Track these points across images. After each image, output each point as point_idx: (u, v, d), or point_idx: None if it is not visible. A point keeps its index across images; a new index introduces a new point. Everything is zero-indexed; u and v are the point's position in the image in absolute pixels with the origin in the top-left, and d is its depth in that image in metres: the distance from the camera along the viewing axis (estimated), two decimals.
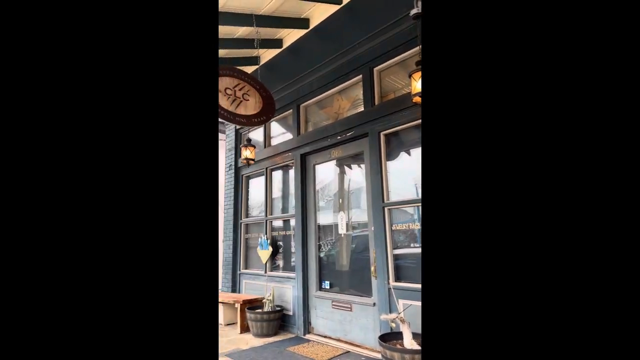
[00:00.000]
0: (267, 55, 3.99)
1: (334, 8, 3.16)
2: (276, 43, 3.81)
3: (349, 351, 3.10)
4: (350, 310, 3.31)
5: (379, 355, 2.88)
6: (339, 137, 3.63)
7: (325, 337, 3.50)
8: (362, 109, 3.46)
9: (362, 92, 3.51)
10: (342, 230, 3.59)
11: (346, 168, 3.79)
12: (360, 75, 3.50)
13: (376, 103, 3.35)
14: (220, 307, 4.25)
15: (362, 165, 3.54)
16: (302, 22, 3.46)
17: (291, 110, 4.32)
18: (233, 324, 4.16)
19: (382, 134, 3.23)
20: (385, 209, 3.09)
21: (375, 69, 3.39)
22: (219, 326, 4.17)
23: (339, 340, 3.36)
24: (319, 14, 3.33)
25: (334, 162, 3.83)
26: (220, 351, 3.20)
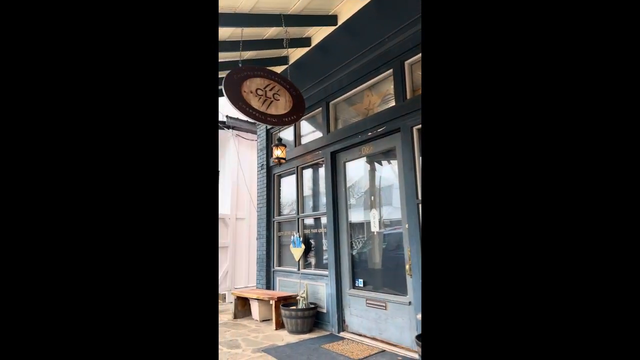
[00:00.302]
0: (296, 54, 4.02)
1: (363, 2, 3.11)
2: (305, 42, 3.82)
3: (384, 350, 3.06)
4: (385, 309, 3.27)
5: (415, 355, 2.82)
6: (369, 134, 3.58)
7: (360, 335, 3.48)
8: (394, 104, 3.39)
9: (392, 86, 3.43)
10: (374, 227, 3.55)
11: (377, 165, 3.73)
12: (391, 70, 3.43)
13: (408, 97, 3.26)
14: (256, 304, 4.36)
15: (393, 162, 3.47)
16: (331, 19, 3.44)
17: (321, 108, 4.32)
18: (268, 320, 4.24)
19: (414, 128, 3.15)
20: (420, 205, 3.01)
21: (407, 62, 3.31)
22: (255, 322, 4.27)
23: (374, 339, 3.33)
24: (347, 9, 3.29)
25: (365, 159, 3.79)
26: (257, 347, 3.28)
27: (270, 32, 3.62)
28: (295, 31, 3.67)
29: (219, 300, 6.04)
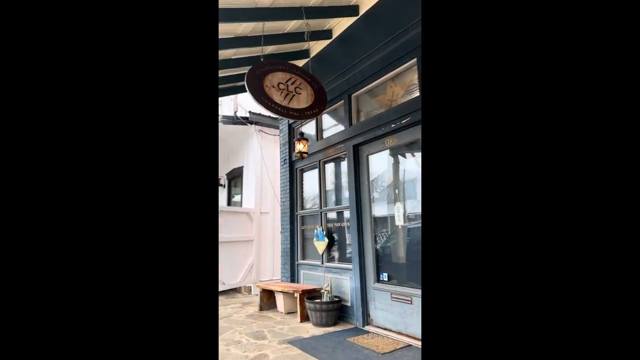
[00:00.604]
0: (317, 47, 3.99)
1: None
2: (326, 34, 3.79)
3: (410, 345, 3.03)
4: (411, 304, 3.22)
5: None
6: (392, 126, 3.51)
7: (385, 329, 3.46)
8: (418, 94, 3.30)
9: (417, 76, 3.33)
10: (399, 221, 3.49)
11: (400, 157, 3.66)
12: (415, 59, 3.33)
13: None
14: (281, 296, 4.42)
15: (418, 154, 3.38)
16: (352, 10, 3.38)
17: (342, 101, 4.27)
18: (293, 312, 4.30)
19: None
20: None
21: None
22: (280, 314, 4.34)
23: (399, 333, 3.29)
24: None
25: (388, 151, 3.72)
26: (282, 338, 3.33)
27: (291, 25, 3.61)
28: (316, 23, 3.64)
29: (245, 292, 6.18)
